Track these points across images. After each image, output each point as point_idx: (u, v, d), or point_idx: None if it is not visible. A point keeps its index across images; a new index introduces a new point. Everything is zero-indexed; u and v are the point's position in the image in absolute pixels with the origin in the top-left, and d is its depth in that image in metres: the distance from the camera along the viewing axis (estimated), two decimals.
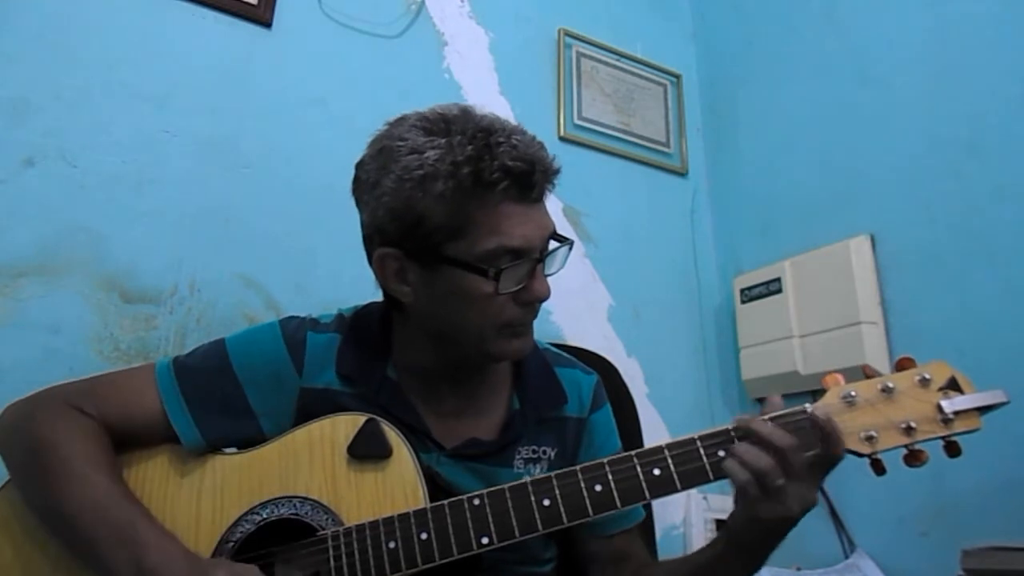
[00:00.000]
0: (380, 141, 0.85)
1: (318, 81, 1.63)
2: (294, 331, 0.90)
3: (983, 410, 0.77)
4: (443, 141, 0.79)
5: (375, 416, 0.84)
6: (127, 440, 0.84)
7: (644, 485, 0.77)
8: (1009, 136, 1.41)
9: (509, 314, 0.83)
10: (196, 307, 1.38)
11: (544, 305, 1.95)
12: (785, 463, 0.73)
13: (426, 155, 0.78)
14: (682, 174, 2.16)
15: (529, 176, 0.79)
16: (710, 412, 1.95)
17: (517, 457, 0.90)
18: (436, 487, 0.83)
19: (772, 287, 1.81)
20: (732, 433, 0.78)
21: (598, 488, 0.77)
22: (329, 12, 1.68)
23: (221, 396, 0.86)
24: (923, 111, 1.59)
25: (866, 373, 0.80)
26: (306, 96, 1.61)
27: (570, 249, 0.88)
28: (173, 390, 0.85)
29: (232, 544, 0.79)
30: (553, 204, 1.89)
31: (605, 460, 0.79)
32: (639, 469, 0.78)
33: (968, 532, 1.26)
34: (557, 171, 0.84)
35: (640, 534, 0.98)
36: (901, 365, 0.80)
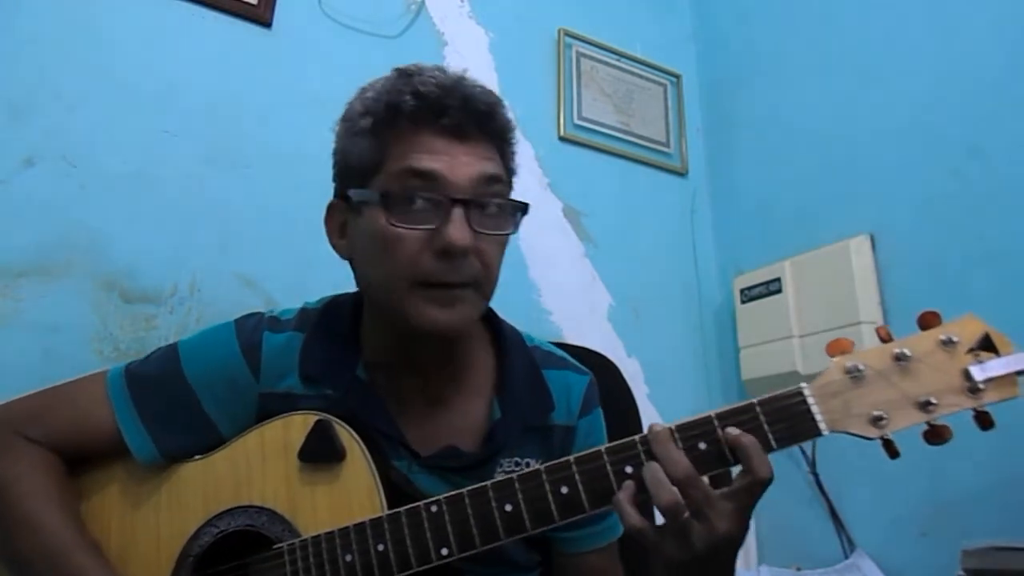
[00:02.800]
0: None
1: (318, 81, 1.63)
2: (250, 332, 0.84)
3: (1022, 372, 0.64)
4: (381, 83, 0.78)
5: (326, 416, 0.78)
6: (83, 457, 0.81)
7: (616, 486, 0.68)
8: (1009, 136, 1.41)
9: (424, 268, 0.73)
10: (196, 307, 1.38)
11: (544, 305, 1.96)
12: (683, 495, 0.64)
13: (364, 96, 0.78)
14: (682, 174, 2.16)
15: (440, 100, 0.73)
16: None
17: (499, 470, 0.83)
18: (406, 496, 0.76)
19: (772, 287, 1.81)
20: (716, 422, 0.68)
21: (564, 490, 0.68)
22: (329, 12, 1.68)
23: (176, 406, 0.81)
24: (923, 111, 1.59)
25: (880, 336, 0.68)
26: (306, 96, 1.60)
27: (523, 213, 0.79)
28: (125, 402, 0.80)
29: (192, 559, 0.77)
30: (553, 204, 1.90)
31: (572, 458, 0.69)
32: (609, 468, 0.68)
33: (968, 532, 1.26)
34: (488, 108, 0.76)
35: (617, 552, 0.92)
36: (925, 322, 0.68)
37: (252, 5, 1.57)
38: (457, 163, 0.73)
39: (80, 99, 1.36)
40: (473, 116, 0.75)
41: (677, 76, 2.23)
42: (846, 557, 1.58)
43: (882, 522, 1.55)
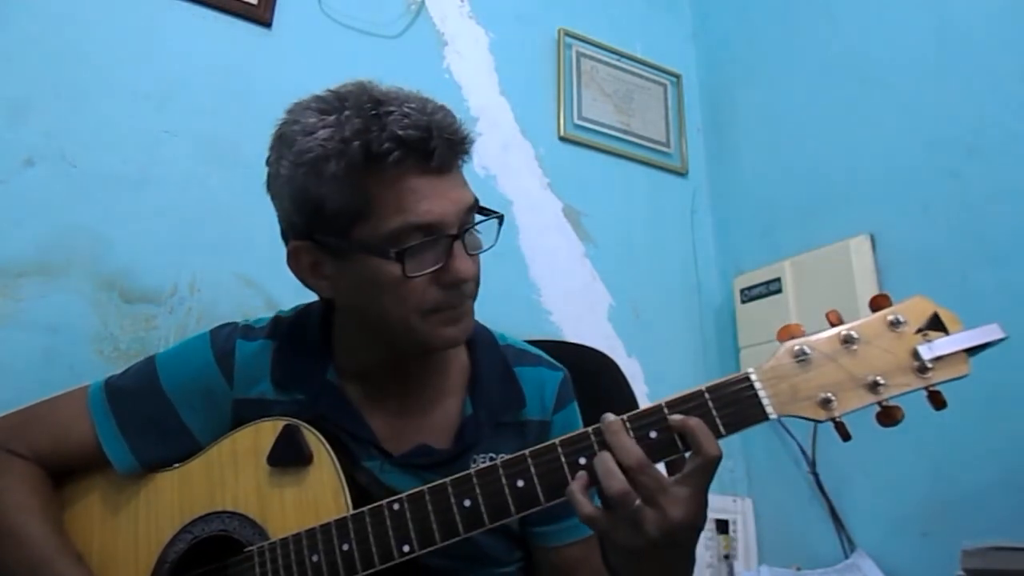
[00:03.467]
0: (279, 128, 0.81)
1: (318, 81, 1.60)
2: (224, 341, 0.87)
3: (973, 351, 0.64)
4: (333, 119, 0.74)
5: (294, 420, 0.80)
6: (66, 470, 0.83)
7: (570, 477, 0.68)
8: (1009, 136, 1.41)
9: (432, 299, 0.76)
10: (196, 307, 1.38)
11: (544, 305, 1.96)
12: (635, 483, 0.64)
13: (317, 135, 0.73)
14: (682, 174, 2.16)
15: (425, 143, 0.72)
16: None
17: (472, 466, 0.80)
18: (374, 496, 0.77)
19: (772, 287, 1.81)
20: (666, 411, 0.69)
21: (520, 484, 0.69)
22: (329, 12, 1.68)
23: (154, 418, 0.83)
24: (923, 111, 1.59)
25: (830, 321, 0.68)
26: (306, 96, 1.60)
27: (500, 223, 0.80)
28: (105, 415, 0.83)
29: (168, 564, 0.79)
30: (553, 204, 1.90)
31: (527, 452, 0.70)
32: (563, 459, 0.69)
33: (968, 532, 1.26)
34: (464, 138, 0.77)
35: (596, 544, 0.89)
36: (876, 304, 0.68)
37: (252, 5, 1.57)
38: (448, 202, 0.75)
39: (80, 99, 1.36)
40: (454, 150, 0.76)
41: (677, 76, 2.23)
42: (846, 557, 1.58)
43: (882, 522, 1.55)
